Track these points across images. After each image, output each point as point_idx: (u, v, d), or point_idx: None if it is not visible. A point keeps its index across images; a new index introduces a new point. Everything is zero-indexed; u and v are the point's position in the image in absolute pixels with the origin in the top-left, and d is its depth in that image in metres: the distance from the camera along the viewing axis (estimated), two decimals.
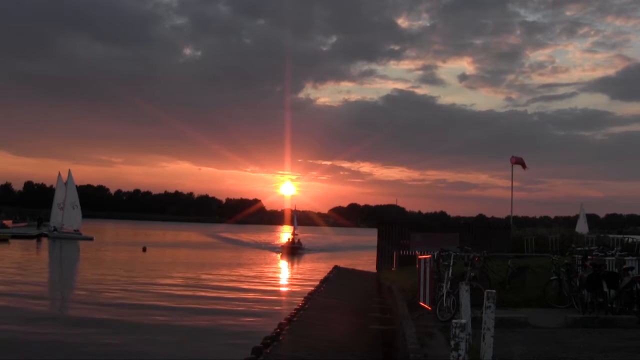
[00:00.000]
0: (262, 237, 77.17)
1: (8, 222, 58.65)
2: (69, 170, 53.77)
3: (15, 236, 48.39)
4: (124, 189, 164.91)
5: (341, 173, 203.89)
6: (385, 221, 26.69)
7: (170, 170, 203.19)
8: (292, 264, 40.34)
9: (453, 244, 20.57)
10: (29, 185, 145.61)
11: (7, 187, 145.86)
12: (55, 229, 51.09)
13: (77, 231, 51.48)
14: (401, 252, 23.12)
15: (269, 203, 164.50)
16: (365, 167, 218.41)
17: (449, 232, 24.07)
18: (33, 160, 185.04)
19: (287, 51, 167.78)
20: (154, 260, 36.12)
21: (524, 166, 27.10)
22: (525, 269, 13.66)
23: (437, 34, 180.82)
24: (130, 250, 43.35)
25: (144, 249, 42.82)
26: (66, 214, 51.76)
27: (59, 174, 53.97)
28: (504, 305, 10.72)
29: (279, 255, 46.71)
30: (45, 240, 49.08)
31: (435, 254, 12.79)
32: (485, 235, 23.78)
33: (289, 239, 51.53)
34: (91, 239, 50.32)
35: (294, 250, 48.28)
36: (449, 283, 10.53)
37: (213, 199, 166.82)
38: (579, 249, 15.26)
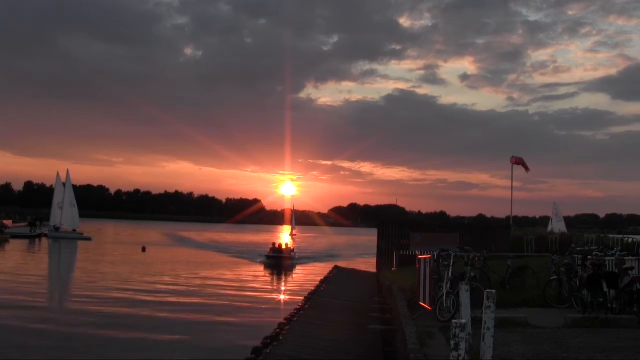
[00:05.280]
0: (255, 238, 74.80)
1: (8, 222, 58.64)
2: (67, 170, 54.07)
3: (15, 236, 48.44)
4: (124, 189, 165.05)
5: (342, 173, 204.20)
6: (385, 221, 26.72)
7: (170, 170, 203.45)
8: (278, 276, 32.40)
9: (453, 244, 20.57)
10: (29, 185, 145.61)
11: (7, 187, 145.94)
12: (56, 228, 51.16)
13: (75, 231, 51.60)
14: (401, 252, 23.13)
15: (269, 203, 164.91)
16: (365, 167, 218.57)
17: (449, 232, 24.10)
18: (33, 160, 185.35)
19: (288, 51, 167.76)
20: (153, 260, 36.11)
21: (526, 168, 27.09)
22: (525, 269, 13.66)
23: (438, 34, 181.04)
24: (129, 250, 43.32)
25: (144, 249, 42.82)
26: (65, 213, 51.86)
27: (58, 174, 54.22)
28: (504, 305, 10.71)
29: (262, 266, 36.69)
30: (45, 240, 49.11)
31: (435, 254, 12.79)
32: (485, 235, 23.81)
33: (274, 244, 40.45)
34: (90, 239, 50.45)
35: (281, 261, 36.95)
36: (449, 283, 10.53)
37: (213, 199, 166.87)
38: (579, 249, 15.26)
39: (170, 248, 49.12)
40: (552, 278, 12.32)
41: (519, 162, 26.82)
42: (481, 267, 12.84)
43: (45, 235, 51.54)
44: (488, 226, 28.64)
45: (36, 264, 31.37)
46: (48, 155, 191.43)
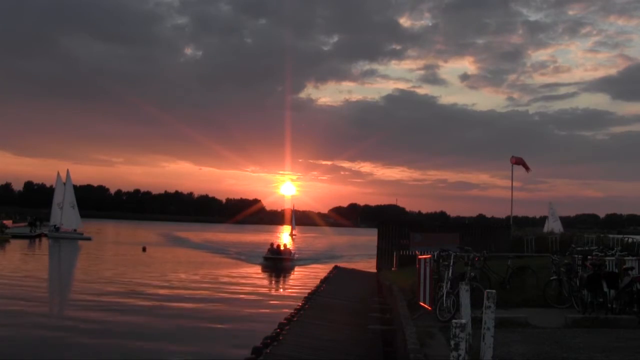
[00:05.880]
0: (255, 238, 73.76)
1: (8, 222, 58.65)
2: (67, 170, 54.09)
3: (16, 236, 48.44)
4: (124, 189, 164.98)
5: (342, 173, 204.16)
6: (385, 221, 26.73)
7: (170, 170, 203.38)
8: (277, 277, 31.59)
9: (453, 244, 20.59)
10: (29, 185, 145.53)
11: (7, 187, 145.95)
12: (56, 228, 51.18)
13: (75, 231, 51.63)
14: (401, 252, 23.14)
15: (269, 203, 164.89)
16: (365, 167, 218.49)
17: (449, 232, 24.10)
18: (33, 160, 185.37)
19: (288, 51, 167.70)
20: (153, 261, 36.09)
21: (527, 168, 27.10)
22: (525, 269, 13.66)
23: (439, 34, 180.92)
24: (129, 250, 43.30)
25: (144, 249, 42.82)
26: (65, 213, 51.90)
27: (58, 173, 54.24)
28: (504, 305, 10.71)
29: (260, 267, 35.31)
30: (45, 240, 49.11)
31: (435, 254, 12.79)
32: (485, 235, 23.81)
33: (272, 244, 37.92)
34: (90, 239, 50.47)
35: (280, 262, 35.03)
36: (449, 283, 10.53)
37: (213, 199, 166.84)
38: (579, 249, 15.26)
39: (170, 248, 49.07)
40: (552, 278, 12.32)
41: (519, 162, 26.83)
42: (481, 267, 12.85)
43: (45, 235, 51.55)
44: (488, 226, 28.64)
45: (36, 265, 31.33)
46: (48, 155, 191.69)
